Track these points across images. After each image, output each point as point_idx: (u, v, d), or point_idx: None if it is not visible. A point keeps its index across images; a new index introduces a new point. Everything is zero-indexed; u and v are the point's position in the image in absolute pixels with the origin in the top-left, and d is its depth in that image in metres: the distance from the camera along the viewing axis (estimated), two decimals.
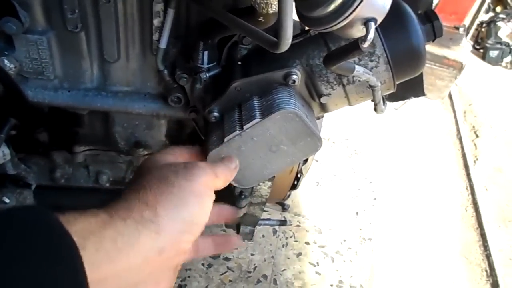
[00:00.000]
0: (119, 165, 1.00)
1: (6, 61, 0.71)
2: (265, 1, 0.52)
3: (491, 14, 4.08)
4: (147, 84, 0.81)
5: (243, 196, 0.87)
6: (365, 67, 0.59)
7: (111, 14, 0.70)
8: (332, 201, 1.97)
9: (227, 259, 1.58)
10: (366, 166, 2.25)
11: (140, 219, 0.38)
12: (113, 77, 0.79)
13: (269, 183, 0.86)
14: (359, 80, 0.61)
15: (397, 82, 0.63)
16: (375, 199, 2.06)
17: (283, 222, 1.22)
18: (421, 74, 0.71)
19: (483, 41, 3.88)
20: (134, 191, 0.42)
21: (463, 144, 2.66)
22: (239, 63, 0.69)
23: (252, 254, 1.61)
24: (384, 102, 0.66)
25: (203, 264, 1.54)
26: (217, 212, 0.54)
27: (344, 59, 0.49)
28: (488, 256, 1.94)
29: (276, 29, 0.44)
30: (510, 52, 3.77)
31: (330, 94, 0.63)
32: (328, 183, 2.07)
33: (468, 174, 2.42)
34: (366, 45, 0.44)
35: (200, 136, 0.81)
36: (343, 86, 0.62)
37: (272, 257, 1.63)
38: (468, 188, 2.35)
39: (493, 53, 3.78)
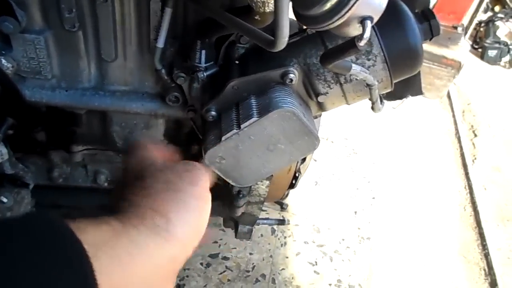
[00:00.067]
0: (117, 164, 1.00)
1: (3, 61, 0.71)
2: (262, 0, 0.52)
3: (489, 13, 4.08)
4: (145, 83, 0.81)
5: (241, 195, 0.88)
6: (362, 66, 0.59)
7: (109, 14, 0.70)
8: (330, 201, 1.97)
9: (225, 258, 1.58)
10: (365, 165, 2.26)
11: (153, 227, 0.38)
12: (110, 77, 0.79)
13: (267, 182, 0.86)
14: (356, 79, 0.61)
15: (394, 81, 0.63)
16: (373, 198, 2.06)
17: (281, 222, 1.22)
18: (419, 73, 0.71)
19: (482, 41, 3.88)
20: (143, 196, 0.41)
21: (462, 144, 2.66)
22: (237, 62, 0.70)
23: (250, 254, 1.61)
24: (381, 101, 0.66)
25: (201, 264, 1.54)
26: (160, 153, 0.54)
27: (341, 58, 0.49)
28: (486, 255, 1.94)
29: (273, 28, 0.45)
30: (508, 52, 3.78)
31: (327, 93, 0.63)
32: (327, 183, 2.07)
33: (466, 174, 2.43)
34: (362, 43, 0.44)
35: (198, 135, 0.81)
36: (341, 85, 0.62)
37: (271, 256, 1.63)
38: (467, 187, 2.35)
39: (492, 53, 3.78)
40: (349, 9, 0.41)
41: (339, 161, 2.24)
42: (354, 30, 0.44)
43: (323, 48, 0.60)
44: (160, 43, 0.71)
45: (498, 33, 3.89)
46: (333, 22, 0.42)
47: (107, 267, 0.33)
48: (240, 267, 1.56)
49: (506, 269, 1.89)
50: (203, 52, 0.70)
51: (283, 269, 1.61)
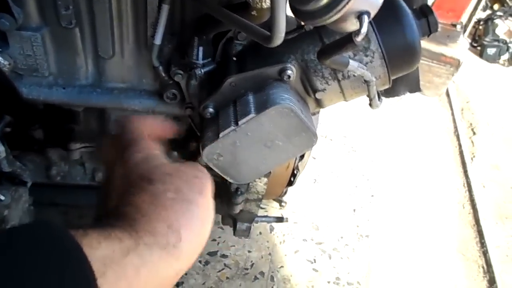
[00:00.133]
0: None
1: (0, 58, 0.70)
2: None
3: (488, 11, 4.09)
4: (143, 80, 0.81)
5: (239, 193, 0.87)
6: (360, 62, 0.59)
7: (105, 10, 0.70)
8: (329, 198, 1.97)
9: (224, 256, 1.58)
10: (364, 163, 2.26)
11: (165, 245, 0.38)
12: (108, 74, 0.79)
13: (265, 180, 0.86)
14: (354, 75, 0.61)
15: (392, 77, 0.63)
16: (372, 196, 2.06)
17: (280, 219, 1.22)
18: (417, 70, 0.71)
19: (481, 39, 3.88)
20: (154, 206, 0.40)
21: (461, 141, 2.66)
22: (234, 59, 0.69)
23: (249, 251, 1.61)
24: (379, 98, 0.66)
25: (200, 261, 1.54)
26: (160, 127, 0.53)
27: (338, 53, 0.49)
28: (485, 253, 1.94)
29: (270, 24, 0.44)
30: (507, 50, 3.78)
31: (325, 89, 0.63)
32: (326, 180, 2.07)
33: (465, 171, 2.43)
34: (360, 38, 0.44)
35: (196, 132, 0.81)
36: (338, 81, 0.62)
37: (270, 254, 1.63)
38: (465, 185, 2.35)
39: (491, 51, 3.78)
40: (346, 3, 0.41)
41: (338, 159, 2.24)
42: (351, 25, 0.44)
43: (320, 44, 0.60)
44: (158, 40, 0.71)
45: (497, 31, 3.89)
46: (330, 17, 0.42)
47: (113, 284, 0.33)
48: (238, 264, 1.57)
49: (505, 267, 1.89)
50: (201, 48, 0.70)
51: (281, 266, 1.61)
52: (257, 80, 0.61)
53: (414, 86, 0.79)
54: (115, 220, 0.39)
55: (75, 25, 0.71)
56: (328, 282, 1.61)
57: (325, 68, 0.61)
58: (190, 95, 0.75)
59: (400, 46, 0.60)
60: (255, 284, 1.52)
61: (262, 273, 1.56)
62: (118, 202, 0.42)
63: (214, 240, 1.60)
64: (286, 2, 0.46)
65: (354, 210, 1.95)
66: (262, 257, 1.61)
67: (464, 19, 3.42)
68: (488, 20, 3.89)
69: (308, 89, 0.64)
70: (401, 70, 0.64)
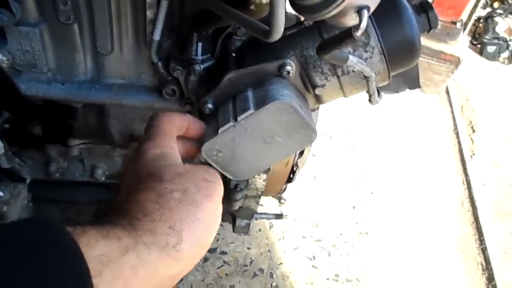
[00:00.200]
0: (114, 158, 0.99)
1: None
2: None
3: (488, 9, 4.08)
4: (142, 76, 0.80)
5: (238, 189, 0.87)
6: (360, 58, 0.58)
7: (104, 6, 0.70)
8: (329, 195, 1.97)
9: (223, 253, 1.58)
10: (363, 160, 2.26)
11: (165, 246, 0.37)
12: (107, 70, 0.79)
13: (264, 176, 0.86)
14: (353, 71, 0.61)
15: (392, 73, 0.63)
16: (371, 193, 2.07)
17: (279, 216, 1.22)
18: (417, 66, 0.71)
19: (481, 36, 3.87)
20: (158, 206, 0.39)
21: (460, 139, 2.66)
22: (233, 54, 0.69)
23: (248, 248, 1.62)
24: (379, 94, 0.66)
25: None
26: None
27: (337, 48, 0.49)
28: (484, 250, 1.95)
29: (269, 18, 0.44)
30: (507, 47, 3.77)
31: (324, 85, 0.63)
32: (325, 178, 2.07)
33: (464, 169, 2.43)
34: (359, 33, 0.44)
35: None
36: (338, 77, 0.62)
37: (269, 251, 1.63)
38: (465, 182, 2.35)
39: (491, 49, 3.78)
40: None
41: (338, 156, 2.24)
42: (350, 20, 0.44)
43: (320, 40, 0.60)
44: (157, 36, 0.70)
45: (497, 29, 3.89)
46: (329, 11, 0.41)
47: (109, 283, 0.33)
48: (238, 261, 1.57)
49: (504, 264, 1.90)
50: (200, 44, 0.70)
51: (281, 263, 1.62)
52: (257, 76, 0.61)
53: (414, 82, 0.79)
54: (118, 217, 0.38)
55: (73, 21, 0.71)
56: (327, 279, 1.62)
57: (324, 64, 0.61)
58: (189, 91, 0.75)
59: (399, 41, 0.60)
60: (254, 280, 1.53)
61: (261, 270, 1.56)
62: (125, 197, 0.42)
63: None
64: None
65: (354, 207, 1.95)
66: (261, 254, 1.61)
67: (464, 16, 3.42)
68: (488, 18, 3.88)
69: (308, 85, 0.64)
70: (400, 66, 0.64)
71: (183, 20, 0.73)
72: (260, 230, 1.70)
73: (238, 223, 1.05)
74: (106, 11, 0.70)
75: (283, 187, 1.06)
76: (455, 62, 2.86)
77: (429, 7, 0.62)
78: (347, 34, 0.45)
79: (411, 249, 1.86)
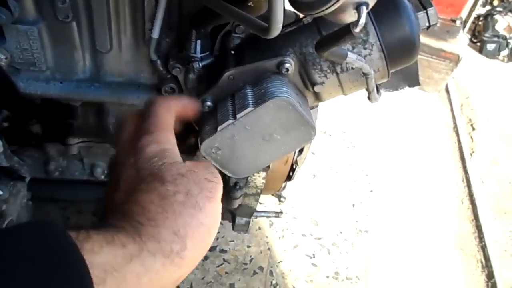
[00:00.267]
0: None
1: None
2: None
3: (488, 7, 4.07)
4: (141, 74, 0.80)
5: (238, 187, 0.87)
6: (359, 55, 0.58)
7: (103, 4, 0.70)
8: (328, 193, 1.97)
9: (223, 251, 1.58)
10: (363, 158, 2.26)
11: (169, 253, 0.37)
12: (106, 68, 0.79)
13: (264, 174, 0.86)
14: (352, 68, 0.60)
15: (391, 70, 0.63)
16: (371, 191, 2.07)
17: (279, 214, 1.22)
18: (416, 64, 0.71)
19: (480, 35, 3.87)
20: (162, 209, 0.39)
21: (460, 137, 2.66)
22: (232, 52, 0.69)
23: (248, 246, 1.62)
24: (378, 91, 0.66)
25: None
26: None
27: (336, 44, 0.49)
28: (483, 248, 1.95)
29: (267, 15, 0.44)
30: (507, 45, 3.76)
31: (323, 83, 0.63)
32: (325, 176, 2.07)
33: (464, 167, 2.43)
34: (358, 29, 0.44)
35: (194, 126, 0.81)
36: (337, 74, 0.62)
37: (269, 249, 1.63)
38: (464, 180, 2.36)
39: (490, 47, 3.77)
40: None
41: (337, 154, 2.24)
42: (349, 16, 0.44)
43: (319, 37, 0.60)
44: (155, 34, 0.70)
45: (496, 26, 3.88)
46: (328, 8, 0.41)
47: None
48: (237, 259, 1.57)
49: (503, 262, 1.90)
50: (199, 42, 0.69)
51: (280, 261, 1.62)
52: (255, 73, 0.60)
53: (413, 80, 0.78)
54: (120, 220, 0.38)
55: (72, 19, 0.71)
56: (327, 276, 1.62)
57: (323, 61, 0.61)
58: (188, 88, 0.75)
59: (399, 38, 0.59)
60: (254, 279, 1.53)
61: (261, 268, 1.56)
62: (125, 197, 0.41)
63: None
64: None
65: (353, 205, 1.95)
66: (261, 252, 1.61)
67: (463, 14, 3.41)
68: (488, 16, 3.88)
69: (307, 82, 0.64)
70: (400, 63, 0.63)
71: (181, 18, 0.73)
72: (259, 228, 1.70)
73: (237, 221, 1.05)
74: (105, 9, 0.70)
75: (283, 185, 1.06)
76: (455, 60, 2.86)
77: (428, 3, 0.62)
78: (345, 31, 0.45)
79: (411, 247, 1.86)
